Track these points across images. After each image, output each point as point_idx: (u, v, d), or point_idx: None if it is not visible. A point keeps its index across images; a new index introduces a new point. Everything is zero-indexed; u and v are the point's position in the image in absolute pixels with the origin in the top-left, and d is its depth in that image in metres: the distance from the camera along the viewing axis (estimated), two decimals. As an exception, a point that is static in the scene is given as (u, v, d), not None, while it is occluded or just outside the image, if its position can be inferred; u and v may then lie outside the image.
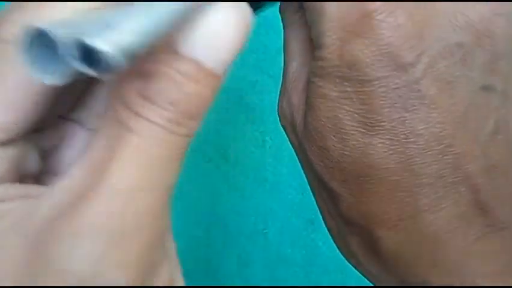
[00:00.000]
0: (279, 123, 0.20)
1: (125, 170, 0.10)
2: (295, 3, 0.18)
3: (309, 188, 0.52)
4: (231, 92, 0.45)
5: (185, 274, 0.54)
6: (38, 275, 0.10)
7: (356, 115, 0.14)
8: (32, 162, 0.13)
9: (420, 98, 0.14)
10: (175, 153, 0.11)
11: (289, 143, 0.21)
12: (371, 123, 0.14)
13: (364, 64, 0.14)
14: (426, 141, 0.14)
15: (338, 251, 0.53)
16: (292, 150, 0.53)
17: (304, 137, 0.17)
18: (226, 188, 0.50)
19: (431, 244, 0.16)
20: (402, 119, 0.14)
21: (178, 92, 0.11)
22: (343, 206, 0.16)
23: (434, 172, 0.15)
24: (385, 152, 0.14)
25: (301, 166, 0.19)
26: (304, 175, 0.21)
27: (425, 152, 0.14)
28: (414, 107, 0.14)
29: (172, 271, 0.14)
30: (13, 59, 0.11)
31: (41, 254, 0.10)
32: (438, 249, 0.16)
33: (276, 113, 0.20)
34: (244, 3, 0.12)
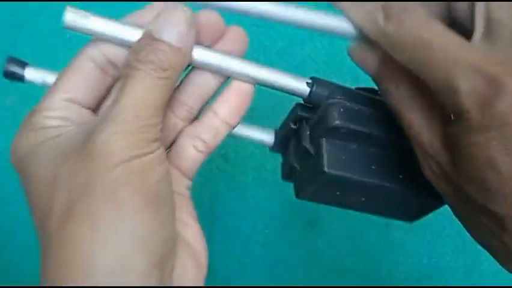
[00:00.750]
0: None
1: (129, 95, 0.19)
2: (410, 95, 0.21)
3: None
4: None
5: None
6: (88, 153, 0.19)
7: (504, 150, 0.18)
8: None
9: None
10: (158, 88, 0.20)
11: None
12: None
13: (502, 112, 0.18)
14: None
15: (337, 250, 0.53)
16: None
17: (463, 182, 0.20)
18: (226, 188, 0.50)
19: None
20: None
21: (154, 57, 0.20)
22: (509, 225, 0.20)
23: None
24: None
25: (454, 207, 0.22)
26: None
27: None
28: None
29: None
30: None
31: (90, 139, 0.19)
32: None
33: (276, 114, 0.24)
34: None
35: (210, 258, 0.54)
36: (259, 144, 0.50)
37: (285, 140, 0.27)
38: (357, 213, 0.49)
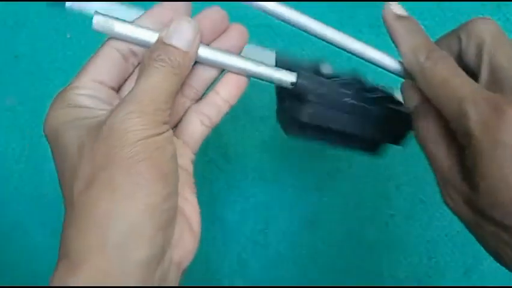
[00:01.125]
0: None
1: (146, 83, 0.23)
2: (434, 129, 0.26)
3: (309, 188, 0.52)
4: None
5: (186, 274, 0.54)
6: (107, 129, 0.22)
7: None
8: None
9: None
10: (169, 79, 0.24)
11: (290, 144, 0.31)
12: None
13: (506, 134, 0.22)
14: None
15: (337, 250, 0.53)
16: (292, 150, 0.53)
17: (481, 204, 0.23)
18: (226, 188, 0.50)
19: None
20: None
21: (166, 57, 0.24)
22: None
23: None
24: None
25: (471, 228, 0.25)
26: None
27: None
28: None
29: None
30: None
31: (110, 117, 0.22)
32: None
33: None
34: None
35: (210, 258, 0.54)
36: (259, 144, 0.50)
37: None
38: (357, 213, 0.50)
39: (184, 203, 0.26)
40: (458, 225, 0.53)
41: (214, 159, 0.50)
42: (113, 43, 0.26)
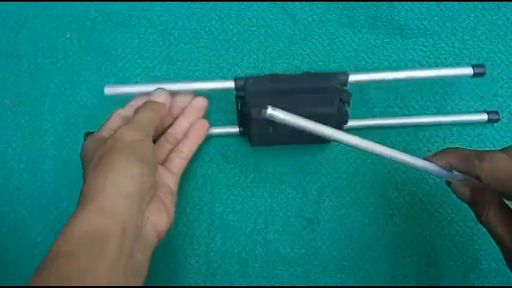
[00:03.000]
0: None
1: (138, 115, 0.42)
2: (496, 212, 0.33)
3: (309, 188, 0.52)
4: (231, 92, 0.45)
5: (186, 274, 0.54)
6: (113, 136, 0.39)
7: None
8: None
9: None
10: (152, 115, 0.43)
11: (290, 144, 0.47)
12: None
13: None
14: None
15: (337, 250, 0.53)
16: (292, 150, 0.53)
17: None
18: (226, 188, 0.50)
19: None
20: None
21: (152, 105, 0.44)
22: None
23: None
24: None
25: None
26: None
27: None
28: None
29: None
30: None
31: (116, 131, 0.39)
32: None
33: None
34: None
35: (210, 258, 0.54)
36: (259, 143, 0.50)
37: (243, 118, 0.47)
38: (357, 213, 0.50)
39: (165, 200, 0.41)
40: (458, 225, 0.53)
41: (214, 159, 0.50)
42: (119, 111, 0.45)
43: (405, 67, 0.51)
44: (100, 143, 0.39)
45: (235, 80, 0.45)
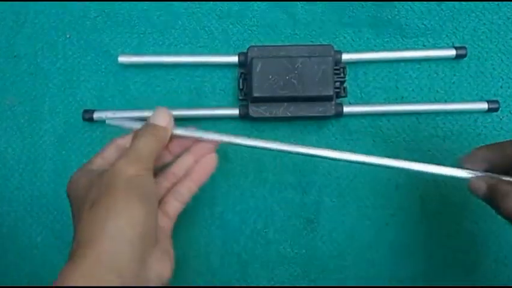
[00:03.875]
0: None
1: (137, 144, 0.36)
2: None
3: (309, 188, 0.52)
4: (231, 92, 0.45)
5: (186, 274, 0.54)
6: (110, 170, 0.34)
7: None
8: None
9: None
10: (153, 142, 0.37)
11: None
12: None
13: None
14: None
15: (337, 250, 0.53)
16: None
17: None
18: (226, 188, 0.50)
19: None
20: None
21: (153, 130, 0.39)
22: None
23: None
24: None
25: None
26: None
27: None
28: None
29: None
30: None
31: (113, 164, 0.35)
32: None
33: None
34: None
35: (210, 258, 0.54)
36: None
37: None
38: (356, 213, 0.50)
39: (166, 246, 0.37)
40: (458, 225, 0.53)
41: (214, 159, 0.50)
42: (118, 141, 0.40)
43: (405, 67, 0.51)
44: (94, 178, 0.34)
45: (239, 55, 0.48)
